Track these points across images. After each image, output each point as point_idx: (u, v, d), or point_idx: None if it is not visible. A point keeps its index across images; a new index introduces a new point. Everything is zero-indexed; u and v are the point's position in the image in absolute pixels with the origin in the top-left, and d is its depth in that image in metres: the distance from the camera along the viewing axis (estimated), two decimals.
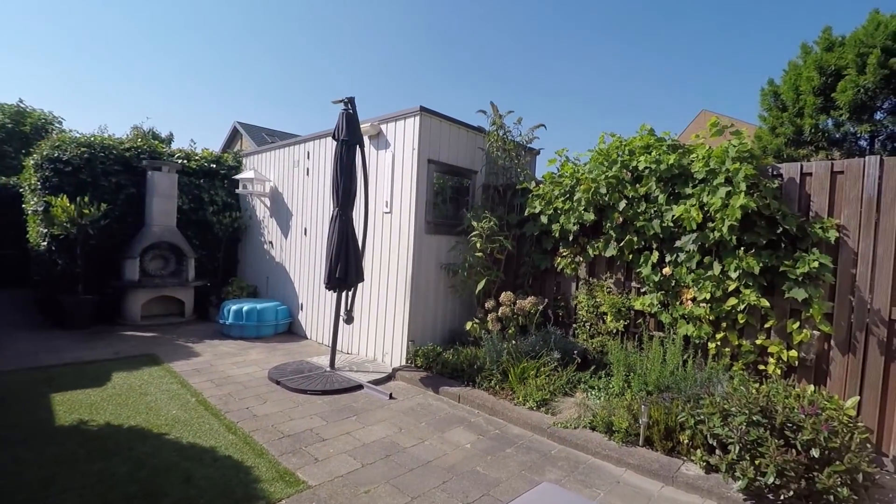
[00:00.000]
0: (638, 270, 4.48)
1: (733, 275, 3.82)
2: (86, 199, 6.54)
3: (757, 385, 3.54)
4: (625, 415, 3.62)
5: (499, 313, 5.02)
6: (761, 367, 3.88)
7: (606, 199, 4.55)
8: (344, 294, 5.19)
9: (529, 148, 5.90)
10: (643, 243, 4.46)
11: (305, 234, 6.90)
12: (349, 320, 5.23)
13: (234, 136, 28.75)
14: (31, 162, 6.86)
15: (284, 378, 4.82)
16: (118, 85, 51.02)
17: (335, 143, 4.82)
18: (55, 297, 6.69)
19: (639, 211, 4.41)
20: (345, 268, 4.75)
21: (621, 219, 4.53)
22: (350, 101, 4.79)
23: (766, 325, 3.86)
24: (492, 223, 5.18)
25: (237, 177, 7.74)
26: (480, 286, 5.26)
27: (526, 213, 5.29)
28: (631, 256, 4.56)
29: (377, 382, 4.88)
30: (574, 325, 5.11)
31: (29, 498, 2.63)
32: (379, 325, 5.64)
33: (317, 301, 6.63)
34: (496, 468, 3.29)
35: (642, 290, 4.59)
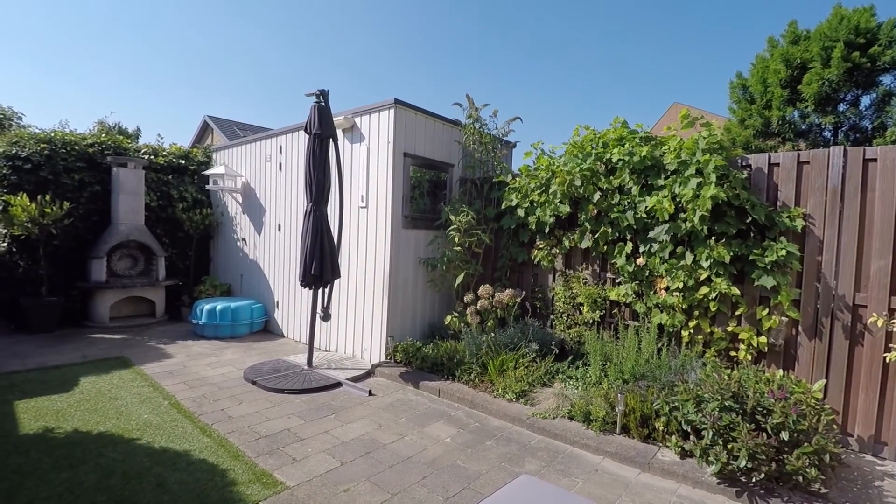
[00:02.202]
0: (613, 261, 4.54)
1: (705, 264, 3.90)
2: (47, 197, 6.25)
3: (729, 371, 3.63)
4: (602, 404, 3.68)
5: (478, 306, 5.03)
6: (733, 353, 3.98)
7: (581, 191, 4.58)
8: (320, 291, 5.11)
9: (506, 141, 5.89)
10: (618, 234, 4.51)
11: (279, 230, 6.76)
12: (326, 317, 5.15)
13: (204, 130, 28.00)
14: None
15: (261, 378, 4.73)
16: (82, 77, 48.97)
17: (308, 136, 4.71)
18: (16, 301, 6.40)
19: (613, 202, 4.45)
20: (320, 264, 4.67)
21: (596, 210, 4.57)
22: (322, 94, 4.68)
23: (737, 313, 3.96)
24: (469, 217, 5.16)
25: (207, 172, 7.52)
26: (459, 280, 5.25)
27: (503, 207, 5.29)
28: (606, 248, 4.61)
29: (356, 379, 4.84)
30: (552, 317, 5.16)
31: None
32: (357, 322, 5.59)
33: (293, 299, 6.52)
34: (476, 461, 3.29)
35: (617, 281, 4.65)
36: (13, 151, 6.32)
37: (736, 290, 3.83)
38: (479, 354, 4.61)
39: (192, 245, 7.88)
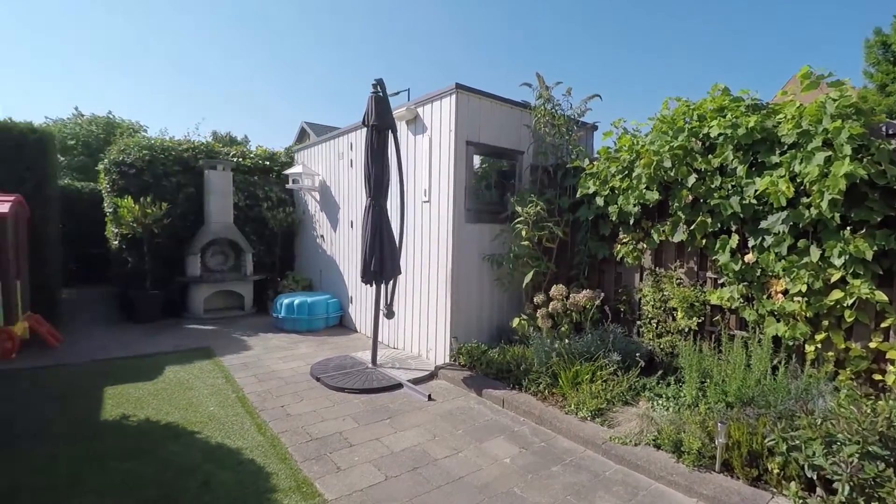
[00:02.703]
0: (714, 258, 3.78)
1: (837, 261, 3.06)
2: (148, 199, 6.88)
3: (872, 402, 2.79)
4: (697, 432, 3.03)
5: (549, 309, 4.53)
6: (877, 377, 3.08)
7: (672, 174, 3.87)
8: (383, 288, 4.95)
9: (582, 122, 5.27)
10: (719, 225, 3.74)
11: (352, 226, 6.77)
12: (390, 315, 4.99)
13: (301, 135, 29.96)
14: (101, 166, 7.35)
15: (325, 375, 4.70)
16: (191, 90, 55.07)
17: (366, 129, 4.55)
18: (126, 293, 7.14)
19: (712, 186, 3.69)
20: (379, 261, 4.50)
21: (691, 197, 3.83)
22: (379, 83, 4.48)
23: (884, 325, 3.05)
24: (538, 207, 4.66)
25: (287, 172, 7.81)
26: (528, 279, 4.78)
27: (578, 195, 4.71)
28: (704, 241, 3.86)
29: (418, 381, 4.61)
30: (638, 323, 4.49)
31: (52, 497, 2.63)
32: (422, 321, 5.36)
33: (365, 294, 6.48)
34: (537, 490, 2.86)
35: (720, 282, 3.88)
36: (120, 158, 7.04)
37: (882, 296, 2.94)
38: (550, 363, 4.12)
39: (277, 242, 8.27)
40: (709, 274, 4.01)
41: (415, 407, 4.06)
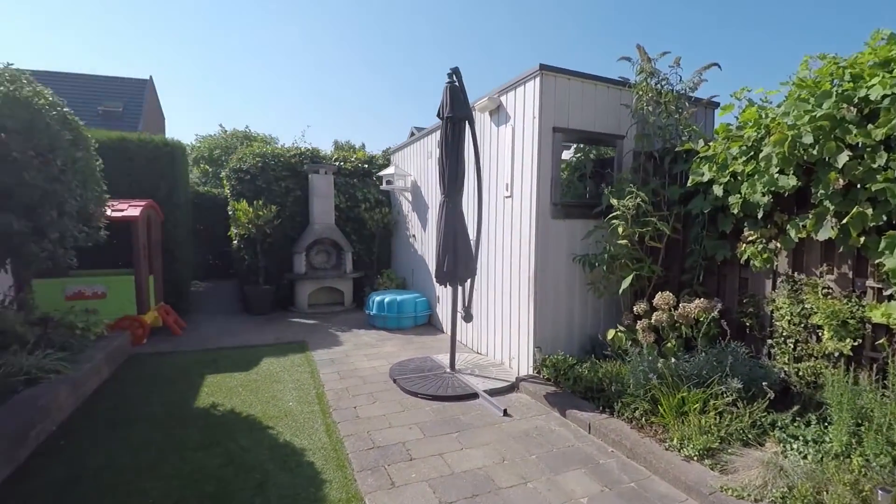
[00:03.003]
0: (878, 261, 2.81)
1: None
2: (260, 202, 7.49)
3: None
4: (847, 496, 2.23)
5: (652, 320, 3.84)
6: None
7: (815, 152, 2.96)
8: (460, 289, 4.68)
9: (695, 98, 4.42)
10: (884, 218, 2.76)
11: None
12: (467, 318, 4.70)
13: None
14: (223, 174, 8.21)
15: (402, 377, 4.58)
16: (318, 104, 60.50)
17: (440, 121, 4.31)
18: (243, 288, 7.89)
19: (874, 167, 2.73)
20: (453, 261, 4.23)
21: (842, 181, 2.88)
22: (455, 73, 4.21)
23: None
24: (638, 200, 3.98)
25: (380, 173, 7.96)
26: (625, 284, 4.12)
27: (690, 184, 3.92)
28: (863, 239, 2.88)
29: (496, 392, 4.25)
30: (769, 342, 3.59)
31: (126, 480, 2.81)
32: (504, 327, 4.98)
33: (451, 295, 6.28)
34: None
35: (886, 293, 2.88)
36: (238, 166, 7.78)
37: None
38: (649, 385, 3.46)
39: (374, 241, 8.50)
40: (869, 282, 3.01)
41: (487, 422, 3.71)
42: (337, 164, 8.38)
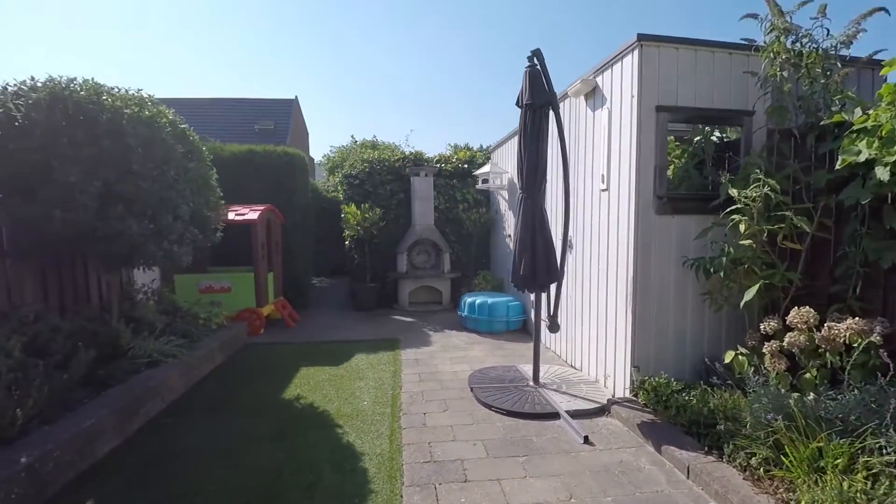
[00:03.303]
0: None
1: None
2: (367, 205, 7.84)
3: None
4: None
5: (785, 342, 3.00)
6: None
7: None
8: (544, 295, 4.24)
9: (850, 57, 3.34)
10: None
11: None
12: (553, 328, 4.23)
13: None
14: (336, 180, 8.78)
15: (479, 386, 4.31)
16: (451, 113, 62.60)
17: (520, 110, 3.93)
18: (352, 285, 8.34)
19: None
20: (531, 264, 3.82)
21: None
22: (536, 55, 3.79)
23: None
24: (766, 189, 3.13)
25: (477, 172, 7.75)
26: (750, 294, 3.27)
27: (840, 166, 2.94)
28: None
29: (581, 414, 3.73)
30: None
31: (197, 466, 3.01)
32: (599, 339, 4.39)
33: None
34: None
35: None
36: (349, 172, 8.25)
37: None
38: (774, 427, 2.67)
39: (472, 242, 8.34)
40: None
41: (563, 448, 3.25)
42: (438, 165, 8.41)
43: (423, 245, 8.19)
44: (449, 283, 8.13)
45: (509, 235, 7.36)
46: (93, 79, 4.01)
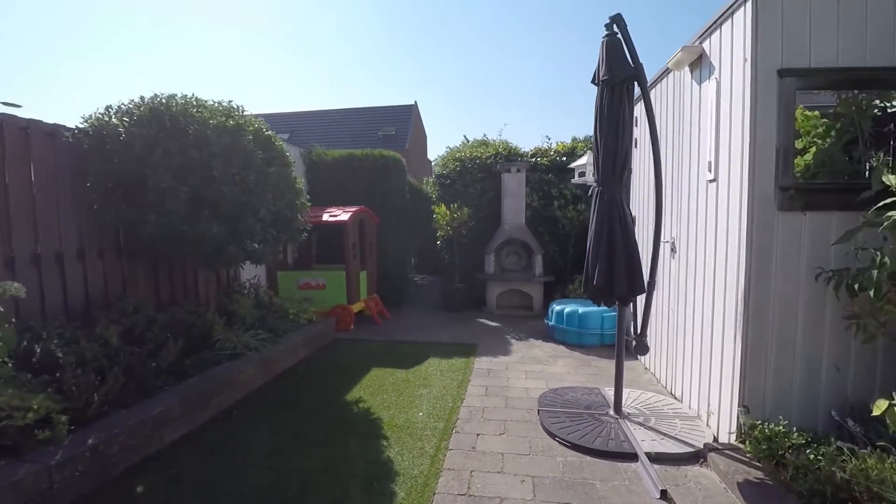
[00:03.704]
0: None
1: None
2: (454, 205, 7.65)
3: None
4: None
5: None
6: None
7: None
8: (628, 309, 3.56)
9: None
10: None
11: (634, 223, 5.34)
12: (640, 349, 3.54)
13: None
14: (430, 180, 8.74)
15: (548, 409, 3.81)
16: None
17: (596, 88, 3.33)
18: (442, 286, 8.23)
19: None
20: (607, 272, 3.20)
21: None
22: (616, 21, 3.16)
23: None
24: None
25: (572, 165, 7.02)
26: None
27: None
28: None
29: (667, 458, 3.03)
30: None
31: (246, 459, 3.05)
32: (704, 367, 3.55)
33: (658, 315, 4.99)
34: None
35: None
36: (440, 171, 8.14)
37: None
38: None
39: (569, 242, 7.64)
40: None
41: (631, 502, 2.63)
42: (533, 160, 7.86)
43: (513, 245, 7.73)
44: (541, 287, 7.55)
45: None
46: (193, 94, 4.43)
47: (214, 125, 4.12)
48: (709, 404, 3.43)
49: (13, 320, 3.04)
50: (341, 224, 6.66)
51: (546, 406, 3.86)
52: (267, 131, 4.73)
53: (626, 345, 3.85)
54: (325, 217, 6.66)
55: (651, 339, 4.74)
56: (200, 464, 3.04)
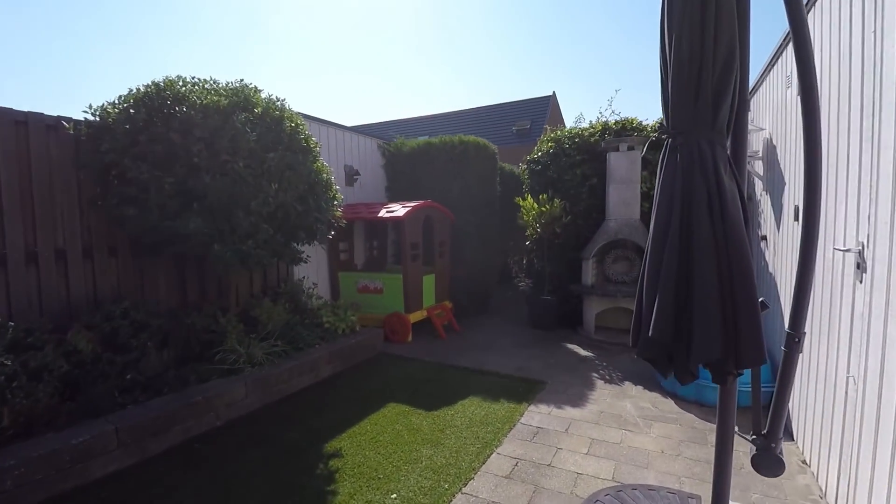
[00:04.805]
0: None
1: None
2: (543, 196, 6.13)
3: None
4: None
5: None
6: None
7: None
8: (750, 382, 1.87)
9: None
10: None
11: (796, 219, 3.30)
12: (763, 464, 1.82)
13: None
14: (522, 167, 7.30)
15: None
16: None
17: None
18: (528, 297, 6.75)
19: None
20: (675, 309, 1.60)
21: None
22: None
23: None
24: None
25: None
26: None
27: None
28: None
29: None
30: None
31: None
32: (878, 470, 1.67)
33: (828, 379, 2.96)
34: None
35: None
36: (530, 157, 6.67)
37: None
38: None
39: None
40: None
41: None
42: (653, 136, 5.87)
43: (622, 249, 5.88)
44: None
45: (764, 237, 4.41)
46: (211, 77, 3.98)
47: (202, 105, 3.55)
48: None
49: None
50: (397, 221, 5.77)
51: None
52: (277, 111, 4.03)
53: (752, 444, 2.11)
54: (382, 213, 5.84)
55: (811, 417, 2.75)
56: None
